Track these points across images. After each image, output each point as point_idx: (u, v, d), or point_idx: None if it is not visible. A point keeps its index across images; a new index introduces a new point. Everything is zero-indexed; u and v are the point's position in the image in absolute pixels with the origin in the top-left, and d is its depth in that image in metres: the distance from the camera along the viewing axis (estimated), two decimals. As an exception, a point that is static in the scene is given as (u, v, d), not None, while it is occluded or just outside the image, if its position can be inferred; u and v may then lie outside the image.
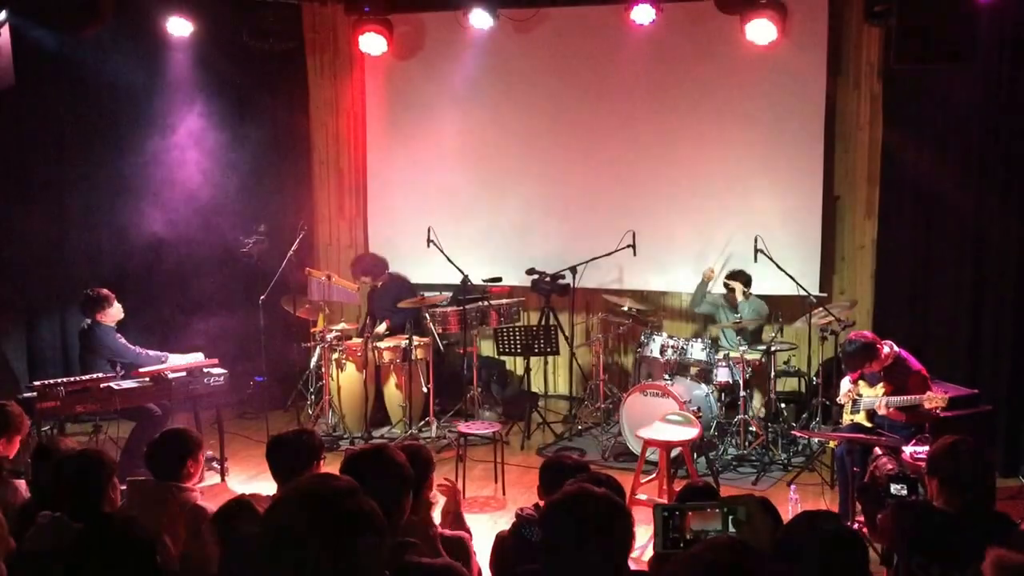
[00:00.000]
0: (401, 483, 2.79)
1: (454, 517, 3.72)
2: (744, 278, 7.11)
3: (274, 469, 3.59)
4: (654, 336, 6.92)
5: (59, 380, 5.81)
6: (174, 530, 3.40)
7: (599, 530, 2.36)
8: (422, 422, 7.23)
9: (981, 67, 5.84)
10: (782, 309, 6.90)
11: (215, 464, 6.23)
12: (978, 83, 6.18)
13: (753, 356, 6.69)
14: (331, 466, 3.50)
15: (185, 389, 6.08)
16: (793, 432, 6.60)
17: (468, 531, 3.64)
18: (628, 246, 7.28)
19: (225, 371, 6.26)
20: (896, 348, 5.46)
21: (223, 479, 6.17)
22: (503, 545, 3.43)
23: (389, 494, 2.63)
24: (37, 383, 5.79)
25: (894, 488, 3.47)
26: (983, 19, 5.45)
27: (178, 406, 6.25)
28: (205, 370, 6.18)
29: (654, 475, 5.82)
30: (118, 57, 7.26)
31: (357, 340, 7.28)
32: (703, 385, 6.69)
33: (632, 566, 2.55)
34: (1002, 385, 6.21)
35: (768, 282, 7.06)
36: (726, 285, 7.20)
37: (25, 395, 5.74)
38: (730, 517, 2.50)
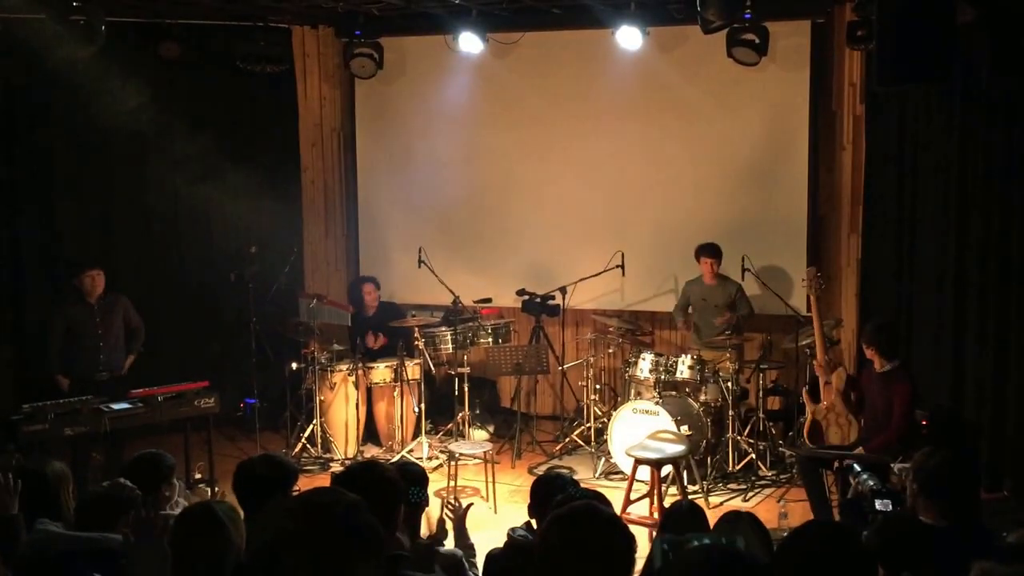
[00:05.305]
0: (393, 496, 2.84)
1: (460, 536, 3.79)
2: (715, 252, 6.93)
3: (240, 497, 3.26)
4: (643, 355, 6.96)
5: (47, 402, 5.74)
6: None
7: (601, 550, 2.31)
8: (413, 442, 7.24)
9: (961, 85, 5.95)
10: (769, 327, 6.95)
11: (206, 487, 6.19)
12: (958, 101, 6.27)
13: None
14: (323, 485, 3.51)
15: (175, 411, 6.07)
16: (781, 449, 6.64)
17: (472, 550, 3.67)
18: (617, 266, 7.33)
19: (216, 393, 6.26)
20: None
21: (213, 502, 6.14)
22: (494, 564, 3.44)
23: (381, 507, 2.66)
24: (27, 405, 5.70)
25: (878, 504, 3.50)
26: (961, 38, 5.55)
27: (169, 428, 6.24)
28: (195, 392, 6.17)
29: (644, 493, 5.84)
30: (108, 80, 7.29)
31: (347, 362, 7.29)
32: (692, 403, 6.73)
33: None
34: (986, 400, 6.27)
35: (755, 301, 7.14)
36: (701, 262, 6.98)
37: (13, 417, 5.61)
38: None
